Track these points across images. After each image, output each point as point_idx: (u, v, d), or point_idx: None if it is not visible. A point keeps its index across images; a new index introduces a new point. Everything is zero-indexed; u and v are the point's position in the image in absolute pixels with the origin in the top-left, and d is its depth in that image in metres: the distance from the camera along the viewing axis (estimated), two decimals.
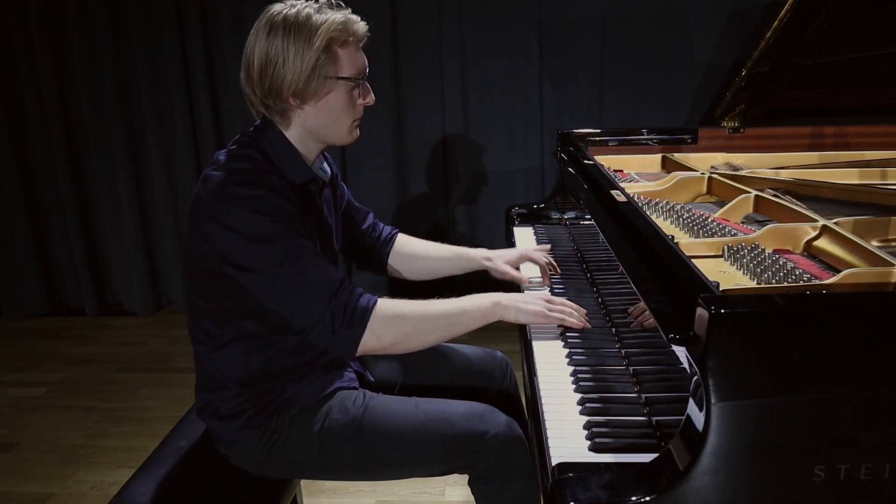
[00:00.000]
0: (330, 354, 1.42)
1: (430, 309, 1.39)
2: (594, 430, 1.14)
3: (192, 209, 1.37)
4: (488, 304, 1.42)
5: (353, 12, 1.40)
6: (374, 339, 1.33)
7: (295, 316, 1.32)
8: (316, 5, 1.36)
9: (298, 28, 1.32)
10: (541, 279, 1.80)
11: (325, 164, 1.54)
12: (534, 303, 1.45)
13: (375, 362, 1.68)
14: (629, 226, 1.39)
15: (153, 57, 3.52)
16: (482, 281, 1.80)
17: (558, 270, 1.81)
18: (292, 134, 1.42)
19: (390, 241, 1.81)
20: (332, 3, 1.39)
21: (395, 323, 1.35)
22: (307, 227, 1.42)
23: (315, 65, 1.33)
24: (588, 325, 1.47)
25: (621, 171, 2.20)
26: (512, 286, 1.75)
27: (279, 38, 1.32)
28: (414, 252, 1.82)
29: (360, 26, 1.40)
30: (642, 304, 1.38)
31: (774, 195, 1.68)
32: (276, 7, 1.37)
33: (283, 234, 1.31)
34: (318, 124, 1.41)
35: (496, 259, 1.79)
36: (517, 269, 1.81)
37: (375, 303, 1.35)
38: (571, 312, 1.46)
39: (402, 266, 1.82)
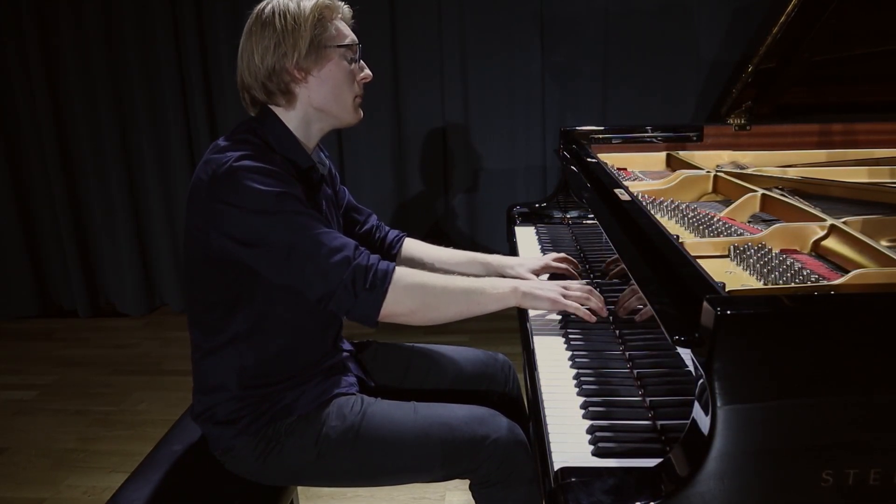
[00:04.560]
0: (351, 318, 1.40)
1: (450, 283, 1.40)
2: (597, 434, 1.13)
3: (191, 194, 1.37)
4: (507, 288, 1.43)
5: (352, 6, 1.45)
6: (394, 304, 1.33)
7: (313, 284, 1.30)
8: None
9: (288, 12, 1.37)
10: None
11: (323, 157, 1.54)
12: (550, 289, 1.45)
13: (375, 366, 1.65)
14: (633, 225, 1.38)
15: (147, 56, 3.50)
16: None
17: (578, 269, 1.76)
18: (295, 116, 1.42)
19: (396, 244, 1.77)
20: None
21: (415, 290, 1.35)
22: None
23: (312, 36, 1.37)
24: (604, 314, 1.45)
25: (625, 169, 2.19)
26: None
27: (272, 26, 1.37)
28: (425, 257, 1.77)
29: (346, 9, 1.46)
30: (633, 296, 1.37)
31: (781, 194, 1.67)
32: (261, 4, 1.42)
33: (290, 206, 1.30)
34: (323, 97, 1.42)
35: (517, 267, 1.72)
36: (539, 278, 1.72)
37: (394, 268, 1.34)
38: (588, 298, 1.45)
39: None
